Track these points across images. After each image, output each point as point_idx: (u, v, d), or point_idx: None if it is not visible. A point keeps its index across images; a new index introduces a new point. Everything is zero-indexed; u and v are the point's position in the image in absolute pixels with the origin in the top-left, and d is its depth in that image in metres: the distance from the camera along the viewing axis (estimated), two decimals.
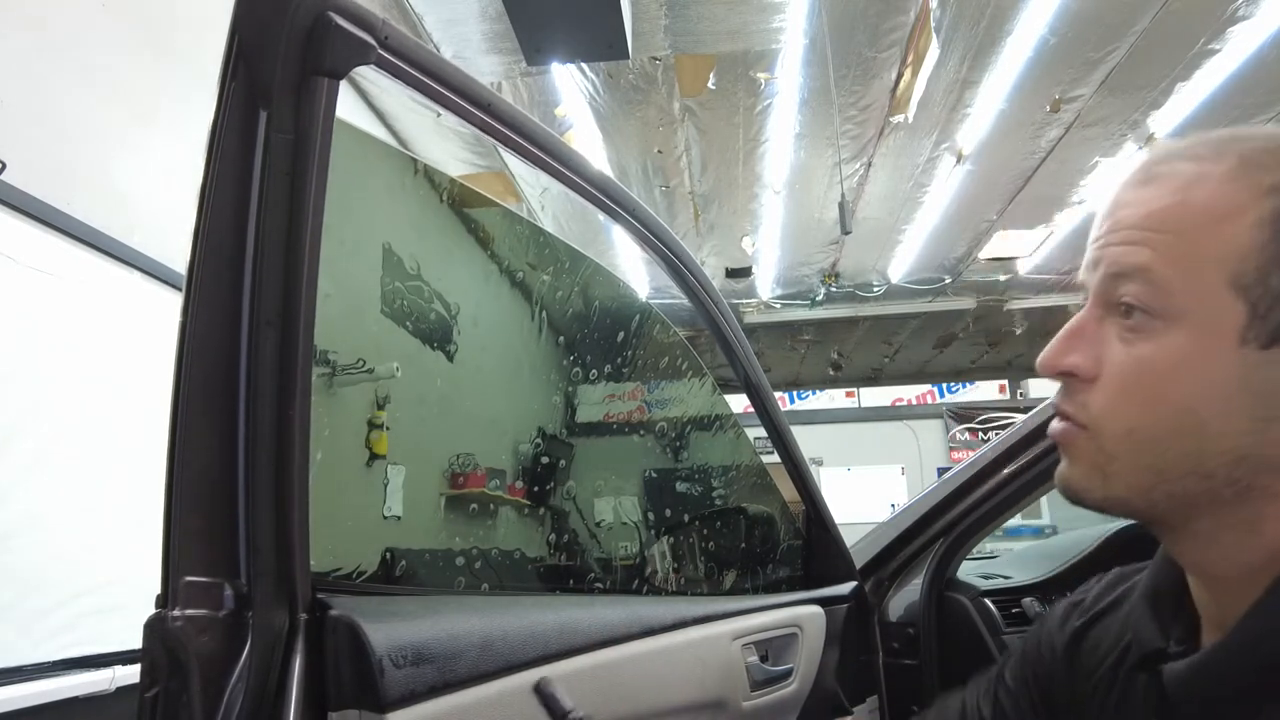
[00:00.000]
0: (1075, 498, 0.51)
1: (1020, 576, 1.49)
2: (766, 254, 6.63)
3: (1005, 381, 9.61)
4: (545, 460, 0.85)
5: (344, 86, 0.54)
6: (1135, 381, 0.47)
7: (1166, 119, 4.59)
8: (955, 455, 8.96)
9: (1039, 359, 0.52)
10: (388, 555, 0.67)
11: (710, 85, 4.24)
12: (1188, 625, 0.52)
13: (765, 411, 1.12)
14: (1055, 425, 0.53)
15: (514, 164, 4.93)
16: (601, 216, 0.86)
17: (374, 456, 0.69)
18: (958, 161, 5.12)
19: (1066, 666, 0.65)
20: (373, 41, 0.55)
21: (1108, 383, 0.49)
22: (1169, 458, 0.47)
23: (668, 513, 1.01)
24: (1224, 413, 0.45)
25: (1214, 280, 0.45)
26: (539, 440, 0.85)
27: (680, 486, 1.07)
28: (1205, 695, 0.48)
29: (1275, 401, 0.44)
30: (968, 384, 9.61)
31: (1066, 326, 0.51)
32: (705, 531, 1.07)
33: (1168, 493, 0.47)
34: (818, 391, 9.67)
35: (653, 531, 0.98)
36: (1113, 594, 0.65)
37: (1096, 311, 0.50)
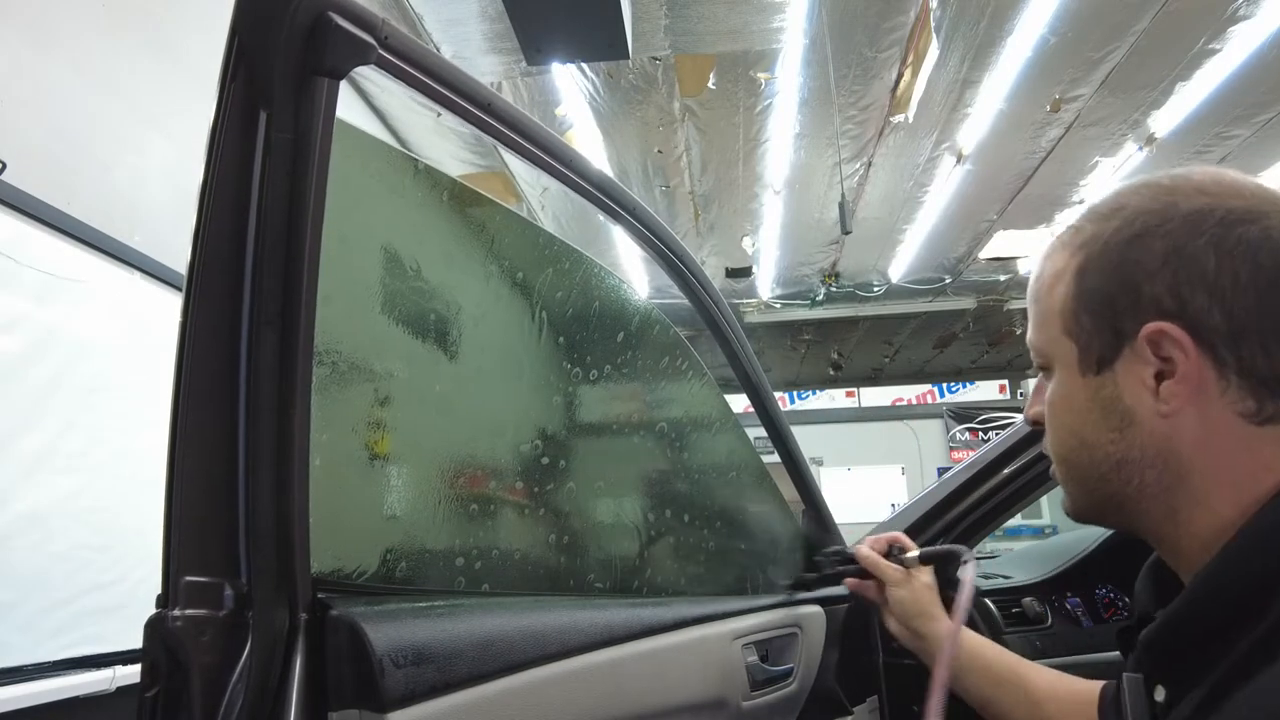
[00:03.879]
0: (1068, 515, 0.65)
1: (1020, 576, 1.49)
2: (766, 254, 6.64)
3: (1005, 381, 9.62)
4: (545, 460, 0.85)
5: (344, 86, 0.54)
6: (1050, 422, 0.63)
7: (1166, 119, 4.60)
8: (955, 455, 8.97)
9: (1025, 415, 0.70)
10: (388, 555, 0.67)
11: (710, 85, 4.24)
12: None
13: (765, 411, 1.12)
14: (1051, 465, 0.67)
15: (514, 164, 4.93)
16: (601, 216, 0.86)
17: (374, 456, 0.69)
18: (958, 161, 5.13)
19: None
20: (373, 41, 0.55)
21: (1046, 426, 0.64)
22: (1081, 473, 0.60)
23: (668, 513, 1.01)
24: (1093, 429, 0.58)
25: (1056, 331, 0.59)
26: (539, 440, 0.85)
27: (680, 486, 1.07)
28: (1168, 646, 0.55)
29: (1118, 414, 0.56)
30: (968, 384, 9.61)
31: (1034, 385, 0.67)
32: (705, 531, 1.07)
33: (1101, 498, 0.60)
34: (818, 391, 9.67)
35: (653, 531, 0.98)
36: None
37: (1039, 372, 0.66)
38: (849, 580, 1.11)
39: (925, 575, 1.03)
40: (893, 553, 1.07)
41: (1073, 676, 0.88)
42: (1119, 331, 0.55)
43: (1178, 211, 0.53)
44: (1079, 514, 0.63)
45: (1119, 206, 0.57)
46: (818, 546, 1.20)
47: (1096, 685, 0.80)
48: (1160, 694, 0.55)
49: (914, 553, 1.05)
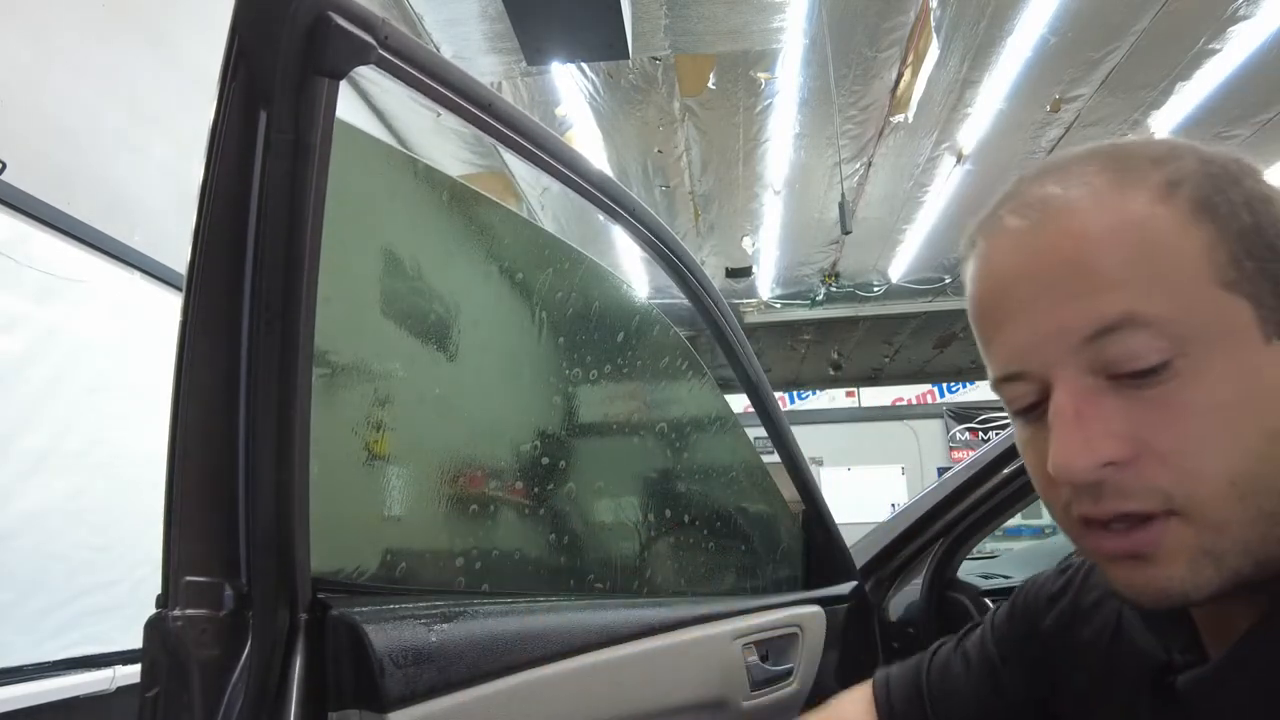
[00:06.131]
0: (1181, 601, 0.42)
1: (1020, 576, 1.49)
2: (766, 254, 6.64)
3: None
4: (545, 460, 0.85)
5: (344, 86, 0.54)
6: (1216, 431, 0.40)
7: (1166, 119, 4.60)
8: (955, 455, 8.96)
9: (1063, 466, 0.42)
10: (388, 555, 0.67)
11: (710, 85, 4.24)
12: (1190, 635, 0.50)
13: (765, 411, 1.12)
14: (1119, 539, 0.42)
15: (514, 164, 4.93)
16: (601, 216, 0.86)
17: (374, 456, 0.69)
18: (958, 161, 5.13)
19: (1052, 662, 0.64)
20: (373, 41, 0.55)
21: (1178, 444, 0.40)
22: (1276, 490, 0.40)
23: (668, 513, 1.01)
24: None
25: (1203, 287, 0.42)
26: (539, 440, 0.85)
27: (680, 486, 1.07)
28: (1229, 701, 0.44)
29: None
30: (968, 384, 9.60)
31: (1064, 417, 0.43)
32: (705, 531, 1.07)
33: (1279, 537, 0.40)
34: (818, 391, 9.66)
35: (653, 531, 0.98)
36: (1094, 592, 0.62)
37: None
38: None
39: None
40: None
41: None
42: None
43: (1236, 160, 0.44)
44: (1231, 582, 0.41)
45: (1168, 150, 0.44)
46: (817, 547, 1.20)
47: None
48: None
49: None
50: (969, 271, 0.48)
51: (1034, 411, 0.46)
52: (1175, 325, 0.40)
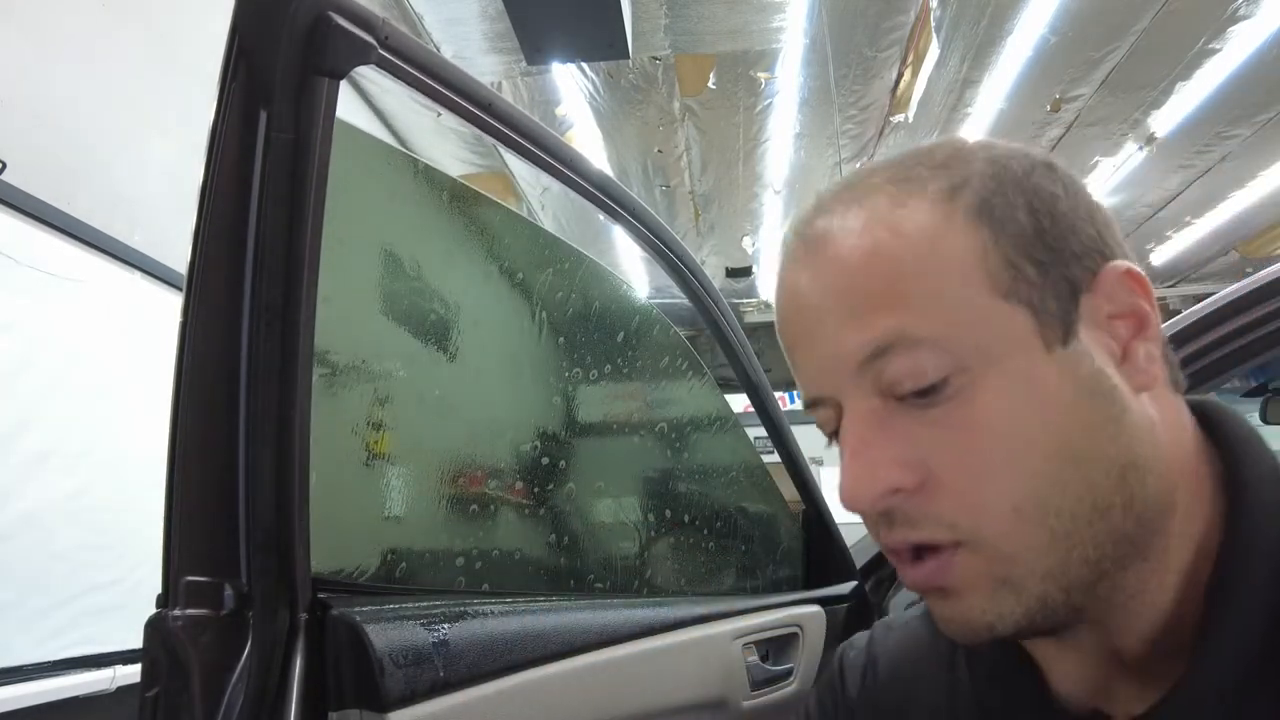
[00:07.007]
0: (988, 634, 0.40)
1: None
2: (766, 254, 6.63)
3: None
4: (546, 460, 0.85)
5: (344, 86, 0.54)
6: (1000, 454, 0.38)
7: (1166, 119, 4.59)
8: None
9: (848, 496, 0.40)
10: (388, 555, 0.67)
11: (710, 85, 4.24)
12: (1032, 685, 0.47)
13: (765, 411, 1.12)
14: (919, 570, 0.41)
15: (514, 164, 4.93)
16: (601, 216, 0.86)
17: (374, 456, 0.69)
18: None
19: None
20: (373, 41, 0.55)
21: (959, 470, 0.39)
22: (1070, 520, 0.38)
23: (668, 513, 1.01)
24: (1085, 433, 0.38)
25: (983, 298, 0.40)
26: (539, 440, 0.85)
27: (680, 486, 1.07)
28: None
29: (1107, 397, 0.39)
30: None
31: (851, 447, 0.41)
32: (705, 531, 1.07)
33: (1082, 557, 0.38)
34: None
35: (653, 531, 0.98)
36: (909, 658, 0.58)
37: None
38: None
39: None
40: None
41: None
42: (1072, 282, 0.40)
43: (1026, 156, 0.43)
44: (1038, 609, 0.39)
45: (954, 152, 0.43)
46: (817, 546, 1.20)
47: None
48: None
49: None
50: (774, 301, 0.48)
51: (838, 440, 0.44)
52: (949, 341, 0.38)
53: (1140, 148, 4.92)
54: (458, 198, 0.81)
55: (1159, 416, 0.41)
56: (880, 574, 1.28)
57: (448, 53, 3.77)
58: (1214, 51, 4.00)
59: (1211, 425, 0.44)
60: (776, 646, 1.02)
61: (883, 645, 0.62)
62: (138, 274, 2.29)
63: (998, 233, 0.40)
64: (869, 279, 0.40)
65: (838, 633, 1.15)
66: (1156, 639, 0.41)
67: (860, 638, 0.65)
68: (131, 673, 2.01)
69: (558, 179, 0.79)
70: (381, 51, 0.56)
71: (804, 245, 0.44)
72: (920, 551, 0.40)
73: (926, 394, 0.39)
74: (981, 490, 0.38)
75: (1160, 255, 6.48)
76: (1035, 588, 0.39)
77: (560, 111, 4.40)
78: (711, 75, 4.17)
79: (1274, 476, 0.41)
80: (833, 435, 0.45)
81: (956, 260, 0.39)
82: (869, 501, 0.40)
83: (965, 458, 0.38)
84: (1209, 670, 0.38)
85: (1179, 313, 1.01)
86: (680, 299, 1.01)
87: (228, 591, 0.51)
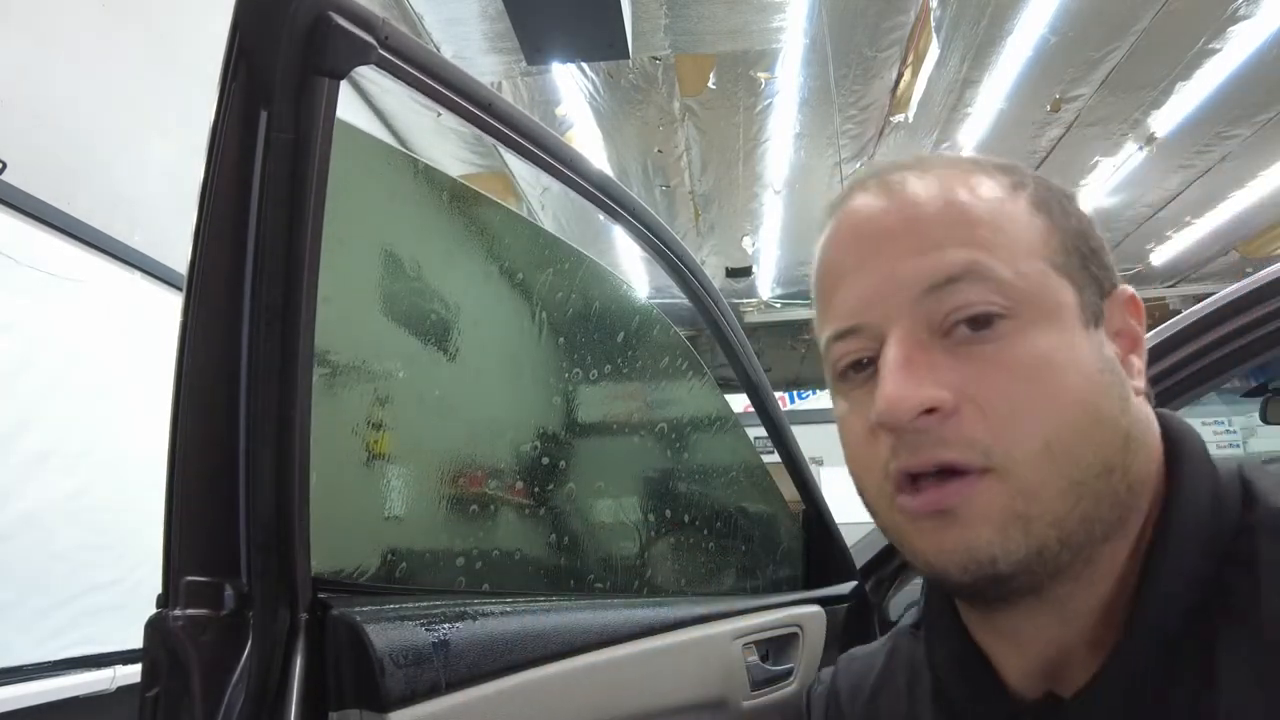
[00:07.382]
0: (990, 568, 0.41)
1: None
2: (767, 254, 6.64)
3: None
4: (546, 460, 0.85)
5: (344, 86, 0.54)
6: (1040, 387, 0.42)
7: (1166, 119, 4.60)
8: None
9: (888, 404, 0.41)
10: (388, 555, 0.67)
11: (710, 85, 4.24)
12: (992, 680, 0.49)
13: (765, 411, 1.12)
14: (930, 492, 0.42)
15: (514, 164, 4.93)
16: (601, 216, 0.86)
17: (374, 456, 0.69)
18: None
19: None
20: (373, 41, 0.55)
21: (999, 399, 0.41)
22: (1082, 464, 0.41)
23: (668, 513, 1.01)
24: (1105, 397, 0.43)
25: (1041, 264, 0.46)
26: (539, 440, 0.85)
27: (680, 486, 1.07)
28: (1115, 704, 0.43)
29: (1120, 381, 0.45)
30: None
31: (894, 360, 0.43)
32: (705, 531, 1.07)
33: (1084, 513, 0.41)
34: (818, 391, 9.65)
35: (653, 531, 0.98)
36: (870, 685, 0.63)
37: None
38: None
39: None
40: None
41: None
42: (1101, 285, 0.46)
43: (1060, 187, 0.49)
44: (1036, 554, 0.41)
45: (1008, 164, 0.49)
46: (817, 546, 1.20)
47: None
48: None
49: None
50: (819, 242, 0.50)
51: (860, 374, 0.46)
52: (1011, 288, 0.42)
53: (1140, 148, 4.92)
54: (458, 198, 0.81)
55: (1144, 414, 0.46)
56: (880, 574, 1.28)
57: (448, 53, 3.77)
58: (1214, 51, 4.00)
59: (1169, 434, 0.49)
60: (777, 646, 1.02)
61: (845, 676, 0.67)
62: (138, 274, 2.29)
63: (1056, 223, 0.46)
64: (947, 217, 0.44)
65: (838, 633, 1.15)
66: (1100, 616, 0.45)
67: (825, 672, 0.71)
68: (131, 673, 2.01)
69: (558, 179, 0.79)
70: (381, 51, 0.56)
71: (881, 184, 0.47)
72: (943, 475, 0.42)
73: (979, 328, 0.42)
74: (1020, 421, 0.41)
75: (1160, 255, 6.48)
76: (1041, 530, 0.41)
77: (560, 111, 4.40)
78: (711, 75, 4.17)
79: (1209, 473, 0.46)
80: (850, 369, 0.47)
81: (1024, 228, 0.45)
82: (909, 410, 0.41)
83: (1008, 387, 0.41)
84: (1139, 632, 0.42)
85: (1179, 313, 1.01)
86: (680, 299, 1.01)
87: (228, 591, 0.51)
